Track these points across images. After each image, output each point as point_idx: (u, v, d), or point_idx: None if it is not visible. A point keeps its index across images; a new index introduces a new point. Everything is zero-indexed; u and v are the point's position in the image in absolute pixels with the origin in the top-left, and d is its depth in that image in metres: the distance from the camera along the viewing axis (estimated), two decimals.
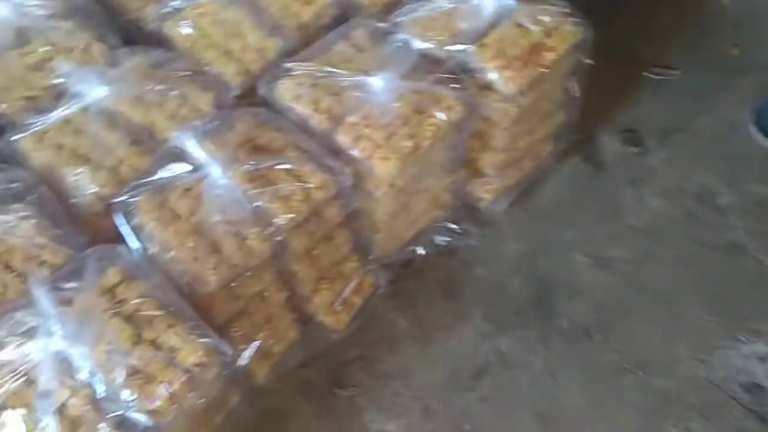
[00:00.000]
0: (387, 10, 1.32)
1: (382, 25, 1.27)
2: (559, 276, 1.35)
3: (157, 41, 1.26)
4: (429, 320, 1.30)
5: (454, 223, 1.37)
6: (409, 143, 1.14)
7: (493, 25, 1.26)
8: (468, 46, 1.23)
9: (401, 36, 1.24)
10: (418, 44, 1.23)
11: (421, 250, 1.34)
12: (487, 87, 1.25)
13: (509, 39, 1.24)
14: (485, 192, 1.42)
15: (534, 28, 1.26)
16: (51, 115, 1.10)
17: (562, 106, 1.41)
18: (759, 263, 1.35)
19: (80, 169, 1.06)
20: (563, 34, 1.27)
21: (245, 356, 1.05)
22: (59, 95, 1.13)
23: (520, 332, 1.28)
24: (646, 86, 1.64)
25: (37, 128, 1.10)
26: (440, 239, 1.36)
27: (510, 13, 1.27)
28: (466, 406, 1.21)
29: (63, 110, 1.10)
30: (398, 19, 1.27)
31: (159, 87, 1.15)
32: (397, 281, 1.31)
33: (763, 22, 1.74)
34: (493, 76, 1.23)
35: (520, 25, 1.26)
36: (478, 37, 1.24)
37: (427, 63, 1.22)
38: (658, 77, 1.65)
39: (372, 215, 1.21)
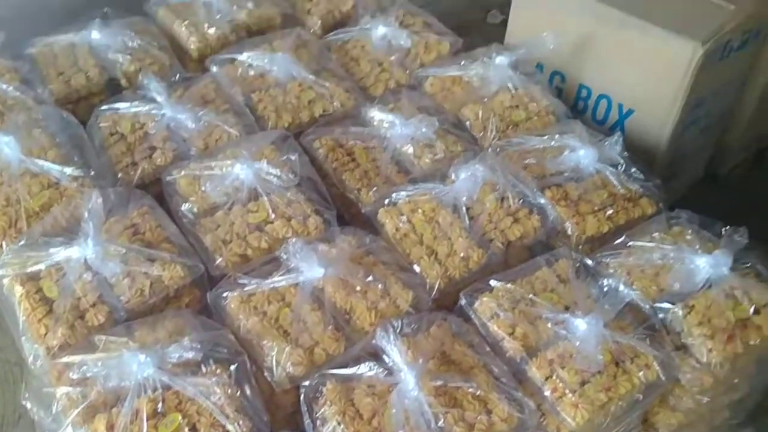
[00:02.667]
0: (593, 247, 1.32)
1: (589, 261, 1.26)
2: None
3: (368, 225, 1.30)
4: None
5: None
6: (603, 396, 1.10)
7: (704, 289, 1.23)
8: (675, 306, 1.20)
9: (608, 279, 1.23)
10: (626, 291, 1.21)
11: None
12: (685, 349, 1.21)
13: (717, 308, 1.20)
14: None
15: (745, 301, 1.22)
16: (263, 282, 1.14)
17: (749, 382, 1.34)
18: None
19: (281, 344, 1.07)
20: None
21: None
22: (273, 261, 1.18)
23: None
24: None
25: (246, 289, 1.14)
26: None
27: (722, 281, 1.23)
28: None
29: (276, 281, 1.13)
30: (606, 259, 1.27)
31: (365, 274, 1.17)
32: None
33: None
34: (694, 341, 1.18)
35: (730, 296, 1.23)
36: (685, 298, 1.22)
37: (632, 314, 1.19)
38: None
39: None
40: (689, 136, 1.64)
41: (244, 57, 1.53)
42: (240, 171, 1.26)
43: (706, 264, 1.22)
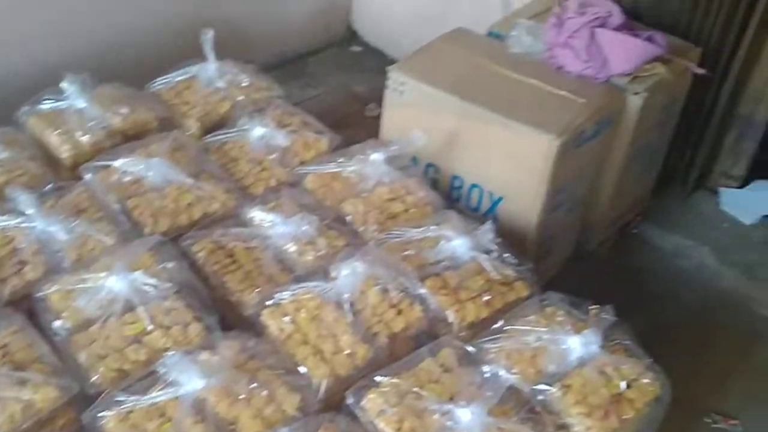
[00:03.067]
0: (473, 332, 1.37)
1: (470, 348, 1.30)
2: None
3: (253, 327, 1.29)
4: None
5: None
6: None
7: (577, 368, 1.29)
8: (552, 387, 1.25)
9: (489, 366, 1.27)
10: (506, 376, 1.26)
11: None
12: (566, 429, 1.25)
13: (592, 386, 1.26)
14: None
15: (616, 377, 1.29)
16: (142, 398, 1.10)
17: None
18: None
19: None
20: (644, 387, 1.30)
21: None
22: (151, 375, 1.14)
23: None
24: None
25: (124, 407, 1.10)
26: None
27: (594, 358, 1.30)
28: None
29: (155, 397, 1.10)
30: (486, 345, 1.31)
31: (249, 381, 1.16)
32: None
33: None
34: (573, 421, 1.23)
35: (603, 373, 1.29)
36: (562, 378, 1.27)
37: (513, 398, 1.23)
38: (718, 425, 1.65)
39: None
40: (556, 218, 1.75)
41: (118, 163, 1.52)
42: (114, 282, 1.24)
43: (578, 344, 1.29)
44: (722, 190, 2.24)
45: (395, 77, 1.73)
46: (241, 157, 1.67)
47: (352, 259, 1.32)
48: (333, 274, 1.33)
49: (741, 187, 2.24)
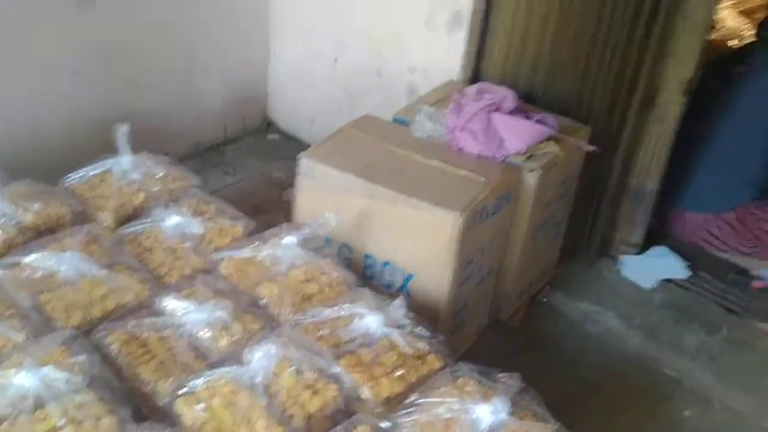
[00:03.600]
0: (389, 407, 1.40)
1: (385, 424, 1.33)
2: None
3: (167, 418, 1.29)
4: None
5: None
6: None
7: None
8: None
9: None
10: None
11: None
12: None
13: None
14: None
15: None
16: None
17: None
18: None
19: None
20: None
21: None
22: None
23: None
24: None
25: None
26: None
27: (503, 426, 1.34)
28: None
29: None
30: (400, 420, 1.35)
31: None
32: None
33: None
34: None
35: None
36: None
37: None
38: None
39: None
40: (467, 291, 1.83)
41: (30, 258, 1.52)
42: (24, 379, 1.22)
43: (487, 412, 1.33)
44: (622, 257, 2.38)
45: (306, 163, 1.81)
46: (155, 246, 1.69)
47: (266, 342, 1.35)
48: (247, 357, 1.35)
49: (639, 253, 2.39)
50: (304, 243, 1.68)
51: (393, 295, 1.65)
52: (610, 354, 2.08)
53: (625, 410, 1.91)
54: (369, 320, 1.50)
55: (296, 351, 1.39)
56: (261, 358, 1.34)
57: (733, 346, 2.13)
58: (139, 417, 1.30)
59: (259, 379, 1.33)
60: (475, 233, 1.73)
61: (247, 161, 2.74)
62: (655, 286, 2.32)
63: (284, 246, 1.65)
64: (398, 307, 1.54)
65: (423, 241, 1.71)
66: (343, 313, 1.53)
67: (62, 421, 1.21)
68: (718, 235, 2.46)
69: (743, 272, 2.41)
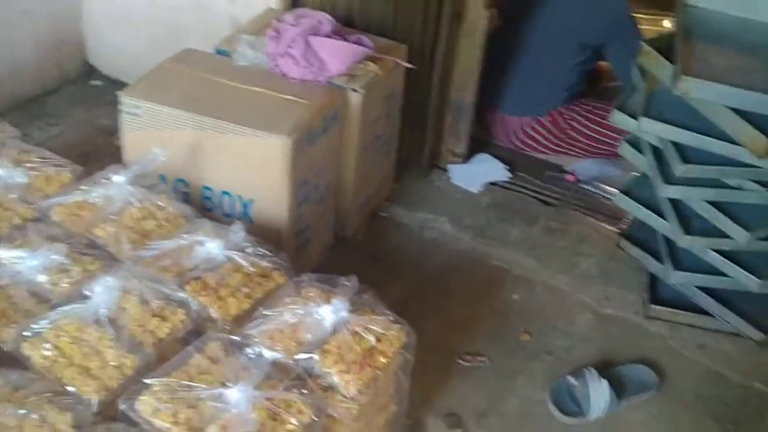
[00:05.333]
0: (239, 323, 1.47)
1: (234, 337, 1.41)
2: None
3: (17, 363, 1.29)
4: None
5: None
6: None
7: (333, 333, 1.45)
8: (312, 354, 1.40)
9: (253, 348, 1.39)
10: (269, 354, 1.38)
11: None
12: (331, 389, 1.40)
13: (346, 345, 1.43)
14: None
15: (367, 334, 1.47)
16: None
17: (394, 398, 1.59)
18: None
19: None
20: (391, 338, 1.49)
21: None
22: None
23: None
24: (461, 373, 1.88)
25: None
26: None
27: (345, 323, 1.47)
28: None
29: None
30: (249, 331, 1.43)
31: (16, 410, 1.17)
32: None
33: (548, 312, 2.11)
34: (335, 379, 1.39)
35: (355, 333, 1.46)
36: (320, 345, 1.42)
37: (278, 371, 1.36)
38: (469, 364, 1.91)
39: None
40: (306, 210, 1.92)
41: None
42: None
43: (329, 312, 1.45)
44: (450, 166, 2.56)
45: (128, 101, 1.80)
46: None
47: (104, 276, 1.37)
48: (87, 294, 1.37)
49: (465, 161, 2.58)
50: (136, 181, 1.68)
51: (233, 223, 1.70)
52: (447, 254, 2.26)
53: (462, 300, 2.10)
54: (210, 246, 1.55)
55: (138, 282, 1.42)
56: (101, 292, 1.36)
57: (551, 233, 2.38)
58: None
59: (103, 311, 1.35)
60: (306, 154, 1.81)
61: (70, 111, 2.63)
62: (482, 189, 2.52)
63: (115, 185, 1.65)
64: (237, 231, 1.59)
65: (256, 167, 1.77)
66: (183, 242, 1.56)
67: None
68: (534, 136, 2.68)
69: (557, 169, 2.66)
